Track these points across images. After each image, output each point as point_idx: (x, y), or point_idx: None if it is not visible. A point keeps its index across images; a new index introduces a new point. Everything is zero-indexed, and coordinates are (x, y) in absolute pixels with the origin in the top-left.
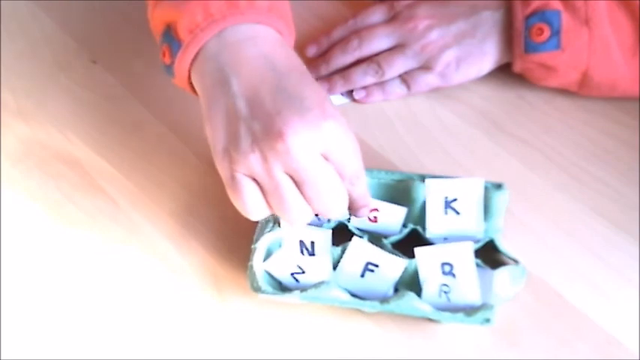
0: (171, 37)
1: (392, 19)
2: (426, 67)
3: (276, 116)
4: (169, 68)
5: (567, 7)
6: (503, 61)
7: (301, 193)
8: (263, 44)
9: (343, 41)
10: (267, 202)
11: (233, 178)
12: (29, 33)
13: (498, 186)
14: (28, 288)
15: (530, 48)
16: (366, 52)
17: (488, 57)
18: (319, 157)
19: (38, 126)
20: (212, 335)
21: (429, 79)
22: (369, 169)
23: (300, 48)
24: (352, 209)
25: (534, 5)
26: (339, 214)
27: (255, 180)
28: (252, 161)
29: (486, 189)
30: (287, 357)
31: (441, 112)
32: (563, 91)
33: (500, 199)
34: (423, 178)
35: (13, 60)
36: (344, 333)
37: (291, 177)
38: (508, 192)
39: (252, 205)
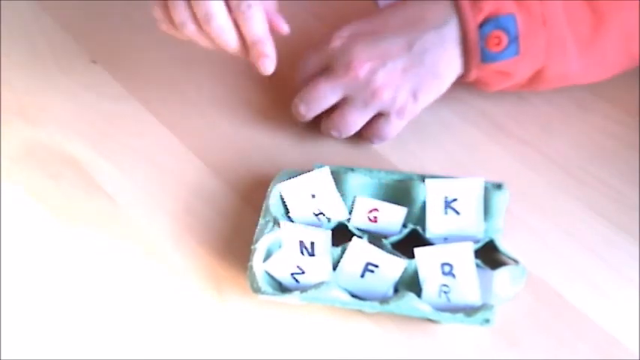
0: None
1: (328, 67)
2: (382, 112)
3: None
4: None
5: (522, 9)
6: (459, 74)
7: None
8: None
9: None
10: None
11: None
12: (30, 33)
13: (498, 186)
14: (28, 288)
15: (487, 58)
16: (315, 113)
17: (443, 79)
18: None
19: (38, 126)
20: (212, 335)
21: (392, 126)
22: (369, 169)
23: (297, 48)
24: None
25: (487, 11)
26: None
27: None
28: None
29: (486, 189)
30: (287, 357)
31: (441, 111)
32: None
33: (500, 199)
34: (423, 178)
35: (13, 60)
36: (344, 333)
37: None
38: (508, 192)
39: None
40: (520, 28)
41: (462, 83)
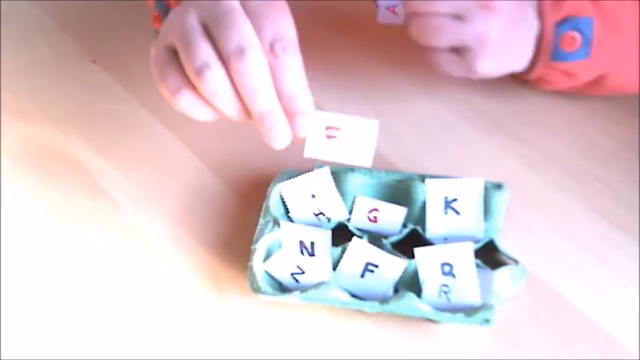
0: (162, 4)
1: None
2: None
3: None
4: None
5: (599, 13)
6: (520, 69)
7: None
8: None
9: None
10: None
11: None
12: (29, 33)
13: (498, 186)
14: (28, 288)
15: (557, 57)
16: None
17: (517, 59)
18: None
19: (38, 126)
20: (212, 335)
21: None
22: (369, 169)
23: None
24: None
25: (566, 11)
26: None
27: None
28: None
29: (486, 189)
30: (287, 357)
31: (441, 111)
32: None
33: (500, 199)
34: (423, 178)
35: (13, 60)
36: (344, 333)
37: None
38: (508, 192)
39: None
40: (595, 33)
41: (517, 79)
